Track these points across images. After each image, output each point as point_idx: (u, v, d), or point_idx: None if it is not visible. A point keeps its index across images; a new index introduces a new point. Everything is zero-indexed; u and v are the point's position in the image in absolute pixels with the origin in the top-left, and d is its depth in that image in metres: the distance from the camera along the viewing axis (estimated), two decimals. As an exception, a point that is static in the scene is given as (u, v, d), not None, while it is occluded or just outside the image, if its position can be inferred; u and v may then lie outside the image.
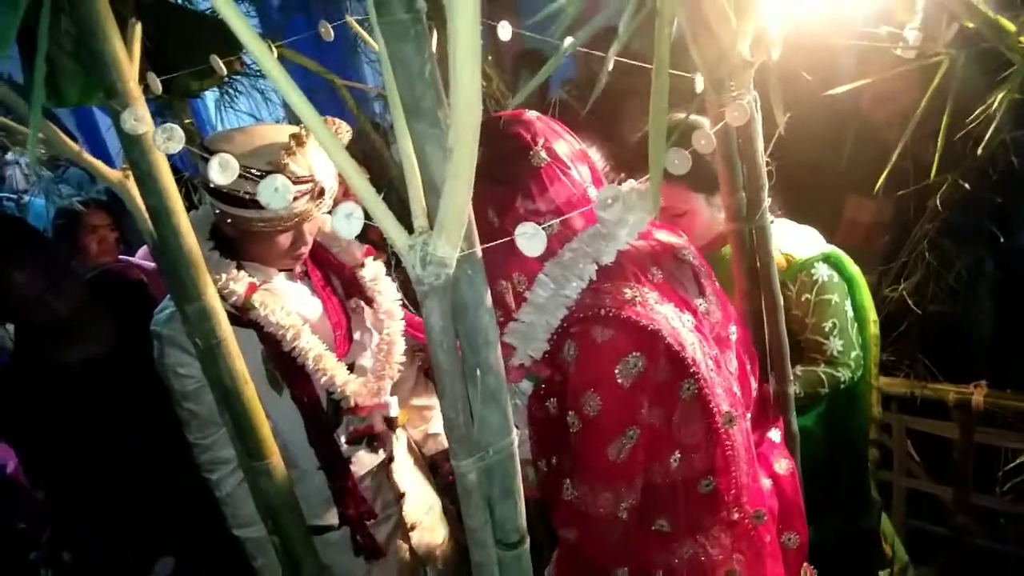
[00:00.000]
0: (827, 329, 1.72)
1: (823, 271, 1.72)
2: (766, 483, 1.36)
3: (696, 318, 1.20)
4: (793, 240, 1.76)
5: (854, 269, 1.80)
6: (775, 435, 1.46)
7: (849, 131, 2.23)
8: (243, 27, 0.58)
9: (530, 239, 0.74)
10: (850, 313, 1.76)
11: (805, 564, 1.49)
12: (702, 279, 1.27)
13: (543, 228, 0.76)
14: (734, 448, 1.21)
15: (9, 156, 3.63)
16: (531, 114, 1.24)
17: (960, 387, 2.04)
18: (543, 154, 1.18)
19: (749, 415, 1.32)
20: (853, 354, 1.75)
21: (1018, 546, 2.16)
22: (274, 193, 0.78)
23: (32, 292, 1.80)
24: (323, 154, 1.44)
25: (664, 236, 1.27)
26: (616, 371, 1.10)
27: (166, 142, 0.96)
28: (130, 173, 1.13)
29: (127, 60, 1.07)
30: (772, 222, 1.34)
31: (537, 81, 0.78)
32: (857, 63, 2.22)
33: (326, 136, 0.62)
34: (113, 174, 1.15)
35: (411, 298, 1.85)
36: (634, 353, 1.10)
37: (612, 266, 1.16)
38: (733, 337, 1.30)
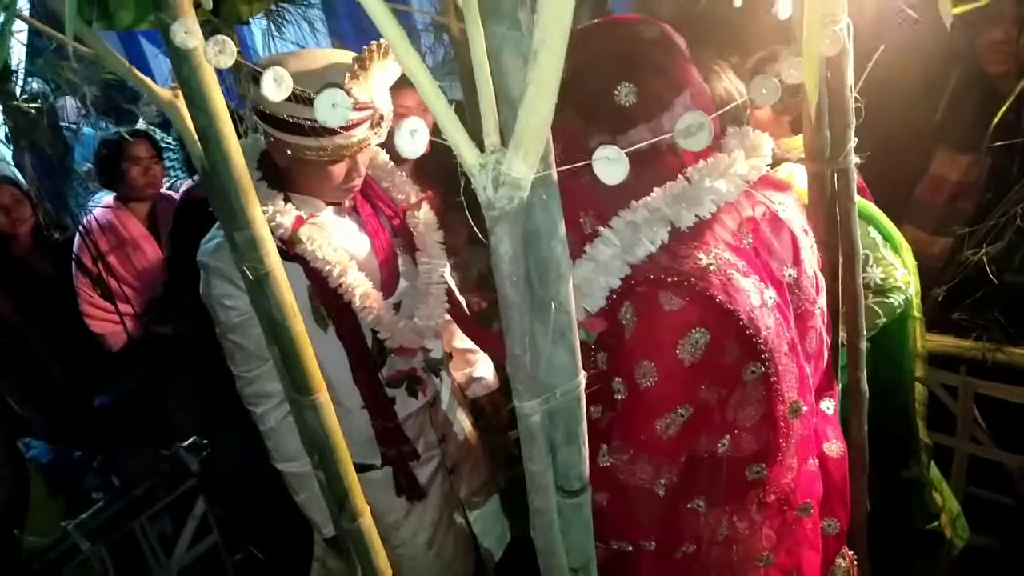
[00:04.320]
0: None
1: None
2: (813, 464, 1.27)
3: (780, 293, 1.08)
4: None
5: (871, 209, 1.71)
6: (828, 406, 1.34)
7: (951, 75, 2.04)
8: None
9: (612, 164, 0.66)
10: (879, 239, 1.67)
11: (843, 548, 1.42)
12: (800, 243, 1.13)
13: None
14: (789, 437, 1.13)
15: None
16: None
17: (1039, 351, 1.92)
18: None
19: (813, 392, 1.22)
20: (898, 274, 1.66)
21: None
22: (332, 109, 0.72)
23: None
24: (383, 81, 1.38)
25: (763, 192, 1.12)
26: (678, 345, 1.00)
27: (217, 56, 0.91)
28: (180, 92, 1.08)
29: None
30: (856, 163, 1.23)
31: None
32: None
33: (407, 51, 0.56)
34: (164, 93, 1.09)
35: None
36: (700, 328, 1.00)
37: (690, 228, 1.04)
38: (818, 311, 1.18)
